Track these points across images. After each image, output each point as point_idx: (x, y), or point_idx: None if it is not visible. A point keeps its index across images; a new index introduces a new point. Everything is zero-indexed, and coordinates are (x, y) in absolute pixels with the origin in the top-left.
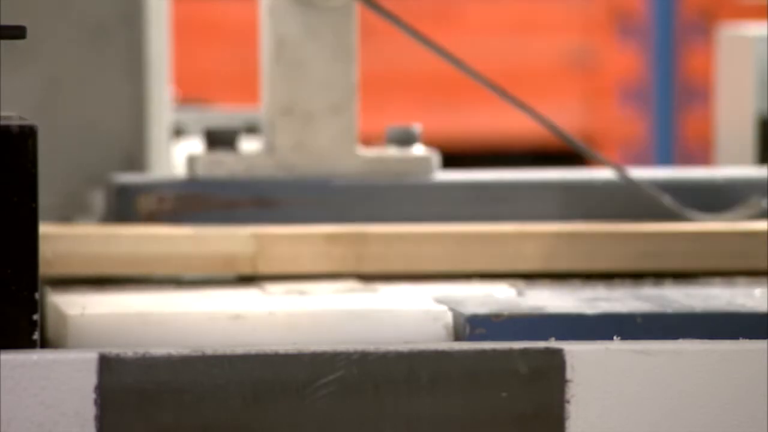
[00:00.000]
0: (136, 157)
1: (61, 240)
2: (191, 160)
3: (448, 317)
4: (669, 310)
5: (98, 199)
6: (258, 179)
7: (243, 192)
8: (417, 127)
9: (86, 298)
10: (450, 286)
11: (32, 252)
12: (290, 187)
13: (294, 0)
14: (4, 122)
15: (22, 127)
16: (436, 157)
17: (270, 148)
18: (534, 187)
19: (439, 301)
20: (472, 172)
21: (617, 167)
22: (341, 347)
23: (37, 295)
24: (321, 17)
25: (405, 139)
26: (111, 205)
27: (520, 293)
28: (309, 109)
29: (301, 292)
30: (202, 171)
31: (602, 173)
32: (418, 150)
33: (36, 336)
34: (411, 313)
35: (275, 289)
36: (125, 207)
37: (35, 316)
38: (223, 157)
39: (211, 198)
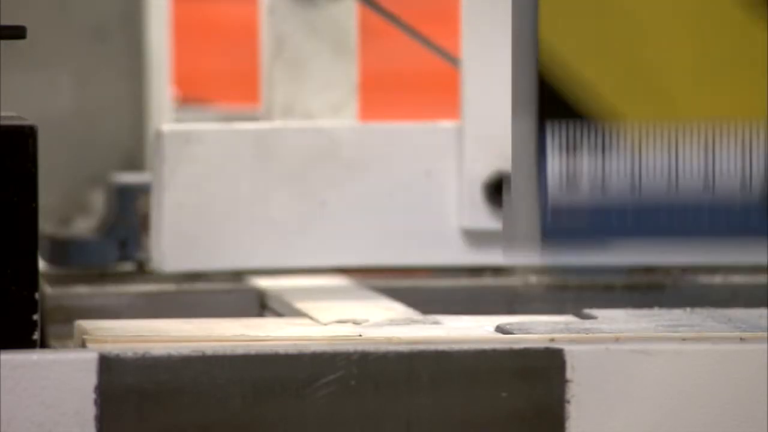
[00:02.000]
0: (136, 157)
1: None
2: None
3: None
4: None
5: (98, 200)
6: None
7: None
8: None
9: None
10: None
11: (32, 252)
12: None
13: None
14: (3, 122)
15: (22, 127)
16: None
17: None
18: None
19: (504, 331)
20: None
21: None
22: (341, 347)
23: (37, 295)
24: (321, 15)
25: None
26: (111, 205)
27: (587, 318)
28: (309, 108)
29: (355, 322)
30: None
31: None
32: None
33: (36, 336)
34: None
35: (326, 318)
36: (124, 207)
37: (35, 316)
38: None
39: None
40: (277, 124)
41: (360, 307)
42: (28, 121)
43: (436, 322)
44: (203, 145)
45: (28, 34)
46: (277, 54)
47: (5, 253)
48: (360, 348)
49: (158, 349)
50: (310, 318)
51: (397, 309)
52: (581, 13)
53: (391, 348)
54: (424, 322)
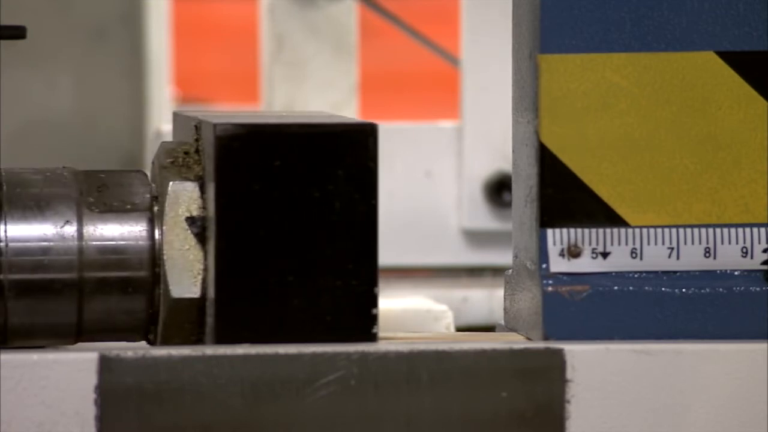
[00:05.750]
0: (136, 157)
1: None
2: None
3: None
4: None
5: None
6: None
7: None
8: None
9: None
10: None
11: (372, 247)
12: None
13: None
14: (345, 121)
15: (363, 125)
16: None
17: None
18: None
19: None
20: None
21: None
22: (341, 347)
23: (376, 290)
24: (321, 15)
25: None
26: None
27: None
28: (309, 108)
29: None
30: None
31: None
32: None
33: (375, 330)
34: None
35: None
36: None
37: (374, 310)
38: None
39: None
40: None
41: None
42: (366, 121)
43: None
44: None
45: (28, 34)
46: (277, 54)
47: (347, 249)
48: (360, 348)
49: (158, 349)
50: None
51: None
52: (582, 116)
53: (391, 348)
54: None
